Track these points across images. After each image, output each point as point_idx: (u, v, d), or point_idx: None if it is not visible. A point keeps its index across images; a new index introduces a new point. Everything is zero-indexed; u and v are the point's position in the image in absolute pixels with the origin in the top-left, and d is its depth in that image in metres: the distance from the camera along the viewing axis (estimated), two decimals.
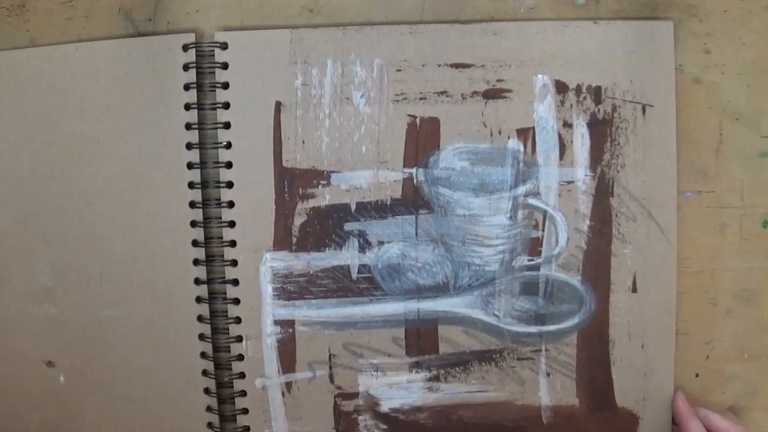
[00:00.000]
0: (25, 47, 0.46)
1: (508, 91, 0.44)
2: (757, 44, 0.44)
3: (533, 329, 0.45)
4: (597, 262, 0.45)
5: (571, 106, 0.44)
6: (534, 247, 0.45)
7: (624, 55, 0.44)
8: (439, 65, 0.44)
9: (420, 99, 0.44)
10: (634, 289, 0.45)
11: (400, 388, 0.46)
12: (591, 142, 0.44)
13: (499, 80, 0.44)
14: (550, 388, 0.46)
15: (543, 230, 0.45)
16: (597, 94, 0.44)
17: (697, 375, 0.46)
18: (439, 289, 0.45)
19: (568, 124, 0.44)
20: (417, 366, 0.46)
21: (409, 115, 0.44)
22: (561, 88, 0.44)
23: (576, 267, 0.45)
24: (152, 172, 0.45)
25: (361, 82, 0.44)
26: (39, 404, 0.48)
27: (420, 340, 0.45)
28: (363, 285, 0.45)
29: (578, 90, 0.44)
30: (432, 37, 0.44)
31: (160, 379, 0.46)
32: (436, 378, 0.46)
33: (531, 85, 0.44)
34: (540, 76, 0.44)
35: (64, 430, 0.48)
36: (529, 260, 0.45)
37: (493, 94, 0.44)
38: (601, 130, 0.44)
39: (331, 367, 0.46)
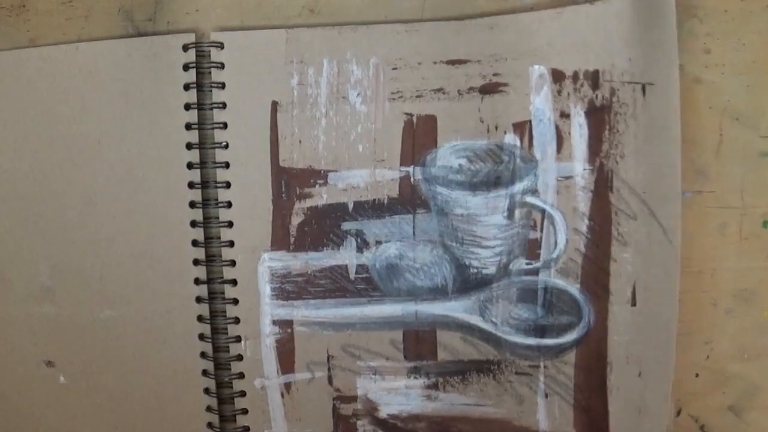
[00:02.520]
0: (25, 47, 0.46)
1: (505, 84, 0.43)
2: (757, 44, 0.44)
3: (532, 341, 0.44)
4: (596, 269, 0.43)
5: (569, 94, 0.42)
6: (532, 249, 0.44)
7: (622, 32, 0.42)
8: (435, 62, 0.43)
9: (416, 97, 0.43)
10: (633, 302, 0.43)
11: (399, 394, 0.46)
12: (589, 132, 0.42)
13: (495, 74, 0.43)
14: (548, 411, 0.45)
15: (542, 231, 0.44)
16: (594, 78, 0.42)
17: (697, 375, 0.46)
18: (437, 292, 0.44)
19: (565, 115, 0.42)
20: (415, 371, 0.45)
21: (406, 114, 0.43)
22: (558, 76, 0.42)
23: (575, 273, 0.43)
24: (152, 172, 0.45)
25: (357, 81, 0.43)
26: (39, 404, 0.48)
27: (418, 344, 0.45)
28: (361, 285, 0.45)
29: (575, 77, 0.42)
30: (428, 34, 0.43)
31: (160, 379, 0.46)
32: (435, 386, 0.45)
33: (527, 76, 0.42)
34: (536, 67, 0.42)
35: (64, 430, 0.48)
36: (527, 264, 0.44)
37: (489, 89, 0.43)
38: (599, 118, 0.42)
39: (329, 369, 0.45)
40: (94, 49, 0.45)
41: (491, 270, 0.44)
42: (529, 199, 0.43)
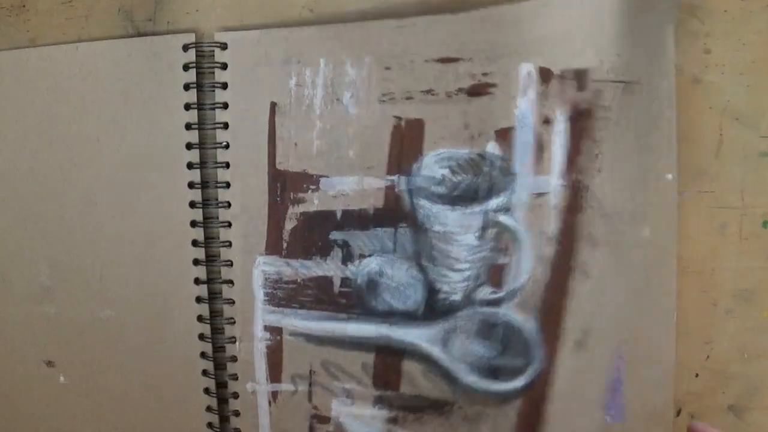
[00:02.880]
0: (25, 47, 0.46)
1: (493, 85, 0.40)
2: (757, 44, 0.44)
3: (483, 385, 0.41)
4: (552, 304, 0.39)
5: (554, 96, 0.39)
6: (499, 276, 0.40)
7: (614, 24, 0.38)
8: (426, 60, 0.40)
9: (406, 99, 0.41)
10: (583, 344, 0.39)
11: (364, 423, 0.44)
12: (569, 141, 0.39)
13: (484, 74, 0.40)
14: None
15: (511, 256, 0.40)
16: (580, 78, 0.39)
17: (697, 375, 0.46)
18: (409, 316, 0.42)
19: (548, 121, 0.39)
20: (380, 401, 0.43)
21: (395, 117, 0.41)
22: (545, 75, 0.39)
23: (534, 307, 0.39)
24: (152, 172, 0.45)
25: (351, 81, 0.42)
26: (39, 404, 0.48)
27: (386, 372, 0.43)
28: (342, 300, 0.43)
29: (562, 76, 0.39)
30: (422, 30, 0.40)
31: (160, 379, 0.46)
32: (395, 420, 0.43)
33: (516, 76, 0.39)
34: (524, 65, 0.39)
35: (64, 430, 0.48)
36: (492, 293, 0.40)
37: (477, 90, 0.40)
38: (581, 125, 0.39)
39: (310, 384, 0.44)
40: (94, 49, 0.45)
41: (458, 296, 0.41)
42: (501, 218, 0.40)
